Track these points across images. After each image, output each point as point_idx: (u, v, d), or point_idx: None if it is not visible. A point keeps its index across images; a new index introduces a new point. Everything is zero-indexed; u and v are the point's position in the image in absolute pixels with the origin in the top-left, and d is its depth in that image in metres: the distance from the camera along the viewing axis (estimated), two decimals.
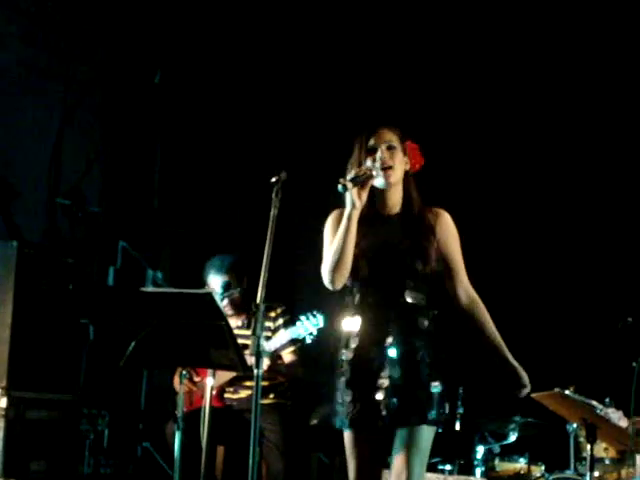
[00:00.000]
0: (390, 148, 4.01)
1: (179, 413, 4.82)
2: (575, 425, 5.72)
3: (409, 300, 3.94)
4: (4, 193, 6.85)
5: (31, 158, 7.20)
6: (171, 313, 4.19)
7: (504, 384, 3.87)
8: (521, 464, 6.25)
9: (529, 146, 7.21)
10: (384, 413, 3.85)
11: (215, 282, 6.04)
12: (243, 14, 7.83)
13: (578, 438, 5.81)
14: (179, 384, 4.94)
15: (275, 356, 5.81)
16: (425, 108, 7.21)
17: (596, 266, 6.92)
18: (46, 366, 6.12)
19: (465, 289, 4.04)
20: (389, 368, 3.89)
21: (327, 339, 5.68)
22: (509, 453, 6.32)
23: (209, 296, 4.19)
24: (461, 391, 6.28)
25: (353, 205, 3.87)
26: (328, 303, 5.61)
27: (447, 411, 4.03)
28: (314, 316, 5.55)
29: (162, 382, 6.50)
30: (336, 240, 3.91)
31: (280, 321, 6.00)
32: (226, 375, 5.87)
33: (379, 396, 3.87)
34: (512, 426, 6.23)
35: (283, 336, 5.68)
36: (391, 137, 4.03)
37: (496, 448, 6.29)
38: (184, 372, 4.97)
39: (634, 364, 4.91)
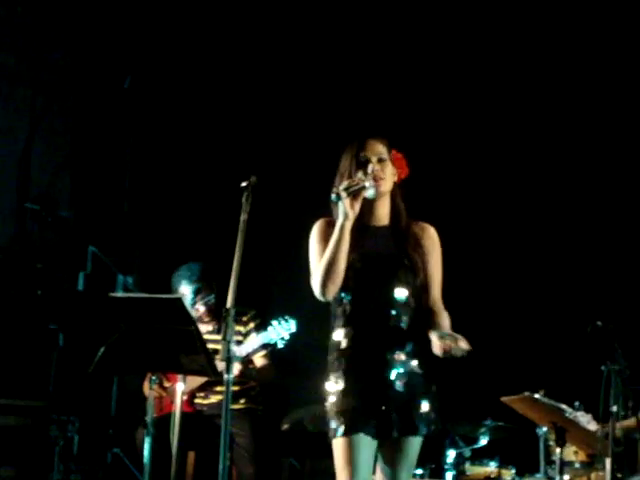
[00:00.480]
0: (381, 160, 4.02)
1: (149, 418, 4.80)
2: (545, 429, 5.73)
3: (399, 311, 3.96)
4: None
5: (0, 163, 7.15)
6: (140, 318, 4.18)
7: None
8: (492, 468, 6.26)
9: (500, 158, 7.23)
10: (388, 422, 3.87)
11: (186, 291, 6.04)
12: (213, 18, 7.81)
13: (548, 442, 5.82)
14: (149, 389, 4.93)
15: (246, 360, 5.81)
16: (402, 115, 7.20)
17: (565, 270, 6.95)
18: (15, 372, 6.09)
19: (433, 304, 4.05)
20: (384, 379, 3.90)
21: (298, 343, 5.70)
22: (480, 457, 6.33)
23: (179, 301, 4.18)
24: None
25: (346, 216, 3.88)
26: (300, 307, 5.63)
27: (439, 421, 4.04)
28: (286, 321, 5.56)
29: (133, 387, 6.47)
30: (328, 251, 3.91)
31: (251, 325, 6.00)
32: (197, 380, 5.86)
33: (378, 405, 3.88)
34: (483, 430, 6.24)
35: (255, 341, 5.68)
36: (381, 149, 4.05)
37: (467, 452, 6.29)
38: (154, 377, 4.95)
39: (603, 368, 4.94)
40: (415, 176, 4.15)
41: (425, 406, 3.94)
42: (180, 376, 5.15)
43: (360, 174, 3.98)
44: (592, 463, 5.61)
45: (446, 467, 6.20)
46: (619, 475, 5.04)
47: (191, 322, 4.15)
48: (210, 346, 4.82)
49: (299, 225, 4.39)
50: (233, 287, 3.67)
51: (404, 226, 4.08)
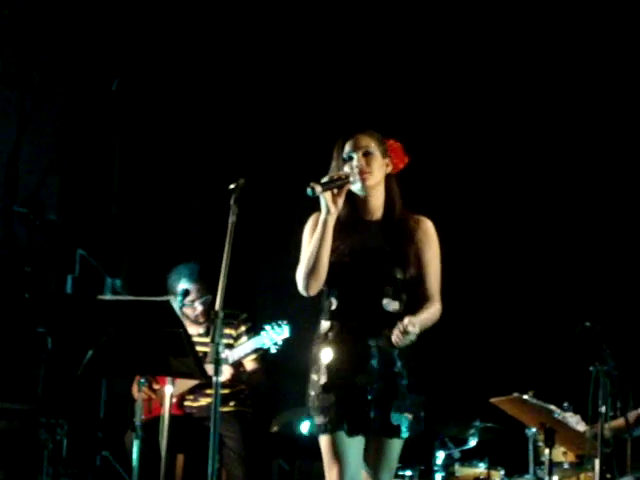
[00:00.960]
0: (367, 154, 4.01)
1: (137, 421, 4.79)
2: (534, 429, 5.73)
3: (387, 308, 3.95)
4: None
5: None
6: (129, 321, 4.17)
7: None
8: (481, 469, 6.26)
9: (492, 157, 7.22)
10: (367, 421, 3.87)
11: (187, 287, 6.01)
12: (200, 20, 7.80)
13: (537, 442, 5.82)
14: (137, 392, 4.92)
15: (238, 364, 5.80)
16: (400, 109, 7.18)
17: (554, 271, 6.95)
18: (3, 376, 6.07)
19: (425, 297, 4.02)
20: (368, 376, 3.90)
21: (287, 346, 5.69)
22: (469, 458, 6.33)
23: (167, 303, 4.17)
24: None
25: (328, 211, 3.89)
26: (290, 309, 5.63)
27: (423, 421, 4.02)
28: (279, 326, 5.54)
29: (122, 390, 6.45)
30: (311, 246, 3.92)
31: (242, 328, 6.00)
32: (187, 383, 5.85)
33: (359, 403, 3.88)
34: (472, 431, 6.24)
35: (247, 346, 5.68)
36: (368, 142, 4.03)
37: (456, 453, 6.30)
38: (142, 380, 4.94)
39: (592, 369, 4.95)
40: (410, 169, 4.14)
41: (407, 407, 3.92)
42: (169, 379, 5.14)
43: (347, 168, 3.98)
44: (581, 464, 5.61)
45: (435, 468, 6.21)
46: (608, 476, 5.05)
47: (179, 324, 4.14)
48: (201, 349, 4.83)
49: (288, 227, 4.39)
50: (222, 289, 3.66)
51: (397, 219, 4.06)
